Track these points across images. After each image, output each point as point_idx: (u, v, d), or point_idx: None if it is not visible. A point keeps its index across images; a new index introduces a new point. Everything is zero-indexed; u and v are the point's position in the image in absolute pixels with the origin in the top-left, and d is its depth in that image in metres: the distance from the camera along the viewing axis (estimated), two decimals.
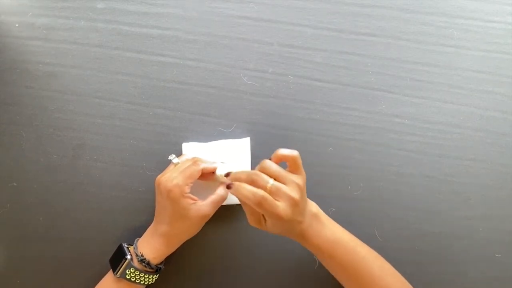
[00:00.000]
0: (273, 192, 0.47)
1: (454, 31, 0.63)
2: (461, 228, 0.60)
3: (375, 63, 0.62)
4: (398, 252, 0.59)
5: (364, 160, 0.61)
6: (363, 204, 0.60)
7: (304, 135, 0.61)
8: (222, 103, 0.62)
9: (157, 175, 0.56)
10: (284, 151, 0.48)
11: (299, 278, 0.60)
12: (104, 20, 0.63)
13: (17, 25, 0.63)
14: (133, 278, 0.53)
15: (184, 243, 0.56)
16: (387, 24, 0.63)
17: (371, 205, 0.60)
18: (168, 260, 0.58)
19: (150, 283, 0.55)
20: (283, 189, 0.47)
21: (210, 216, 0.55)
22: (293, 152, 0.48)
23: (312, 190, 0.59)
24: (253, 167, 0.58)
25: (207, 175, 0.56)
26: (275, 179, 0.47)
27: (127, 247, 0.55)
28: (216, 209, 0.56)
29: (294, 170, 0.49)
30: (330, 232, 0.51)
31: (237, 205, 0.58)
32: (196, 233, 0.56)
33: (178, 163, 0.56)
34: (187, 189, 0.53)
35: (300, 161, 0.49)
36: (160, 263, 0.56)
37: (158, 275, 0.56)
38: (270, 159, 0.49)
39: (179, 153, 0.60)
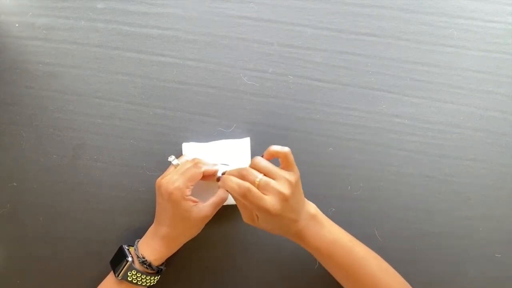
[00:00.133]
0: (261, 187, 0.47)
1: (454, 31, 0.63)
2: (461, 228, 0.60)
3: (375, 63, 0.62)
4: (398, 252, 0.59)
5: (364, 160, 0.61)
6: (363, 204, 0.60)
7: (304, 135, 0.61)
8: (222, 103, 0.62)
9: (157, 175, 0.56)
10: (275, 148, 0.49)
11: (300, 278, 0.60)
12: (104, 20, 0.63)
13: (17, 25, 0.63)
14: (134, 280, 0.53)
15: (184, 244, 0.56)
16: (387, 24, 0.63)
17: (371, 205, 0.60)
18: (169, 261, 0.58)
19: (151, 284, 0.55)
20: (271, 183, 0.47)
21: (211, 217, 0.55)
22: (284, 149, 0.48)
23: (312, 190, 0.59)
24: None
25: (208, 176, 0.56)
26: (265, 175, 0.48)
27: (128, 249, 0.55)
28: (217, 210, 0.56)
29: (286, 166, 0.49)
30: (328, 233, 0.51)
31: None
32: (196, 234, 0.56)
33: (178, 164, 0.56)
34: (188, 192, 0.53)
35: (291, 158, 0.49)
36: (161, 264, 0.56)
37: (159, 276, 0.56)
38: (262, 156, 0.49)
39: (179, 153, 0.60)
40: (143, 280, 0.54)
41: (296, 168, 0.49)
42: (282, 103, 0.62)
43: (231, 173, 0.49)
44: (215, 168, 0.56)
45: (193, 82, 0.62)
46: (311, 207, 0.52)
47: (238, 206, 0.51)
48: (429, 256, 0.60)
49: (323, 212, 0.53)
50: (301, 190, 0.51)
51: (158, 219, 0.56)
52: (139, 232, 0.57)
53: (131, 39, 0.63)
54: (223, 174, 0.53)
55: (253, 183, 0.47)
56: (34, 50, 0.63)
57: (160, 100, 0.62)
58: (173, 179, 0.53)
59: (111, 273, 0.55)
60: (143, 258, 0.53)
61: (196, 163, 0.55)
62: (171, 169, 0.56)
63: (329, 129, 0.61)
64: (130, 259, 0.53)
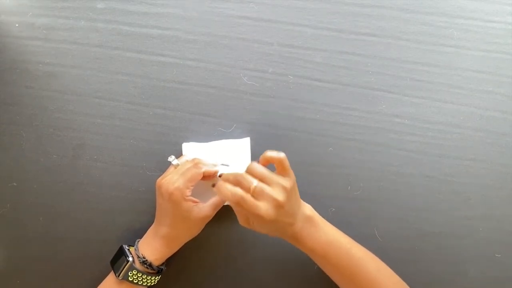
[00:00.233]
0: (257, 193, 0.46)
1: (454, 31, 0.63)
2: (461, 228, 0.60)
3: (375, 63, 0.62)
4: (398, 252, 0.59)
5: (364, 160, 0.61)
6: (363, 204, 0.60)
7: (304, 135, 0.61)
8: (222, 103, 0.62)
9: (157, 175, 0.56)
10: (270, 153, 0.48)
11: (300, 278, 0.60)
12: (104, 20, 0.63)
13: (17, 25, 0.63)
14: (135, 280, 0.53)
15: (184, 244, 0.56)
16: (387, 24, 0.63)
17: (371, 205, 0.60)
18: (169, 261, 0.58)
19: (152, 284, 0.55)
20: (266, 190, 0.46)
21: (211, 217, 0.55)
22: (280, 154, 0.48)
23: (312, 190, 0.59)
24: None
25: (208, 176, 0.56)
26: (261, 181, 0.47)
27: (128, 249, 0.55)
28: (217, 210, 0.56)
29: (281, 172, 0.49)
30: (325, 235, 0.51)
31: None
32: (197, 234, 0.56)
33: (178, 164, 0.56)
34: (188, 192, 0.53)
35: (287, 163, 0.48)
36: (162, 264, 0.56)
37: (160, 276, 0.56)
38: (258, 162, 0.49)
39: (179, 153, 0.60)
40: (143, 280, 0.54)
41: (292, 173, 0.49)
42: (282, 103, 0.62)
43: (227, 179, 0.48)
44: (215, 169, 0.56)
45: (193, 82, 0.62)
46: (307, 209, 0.52)
47: (234, 210, 0.51)
48: (429, 256, 0.60)
49: (323, 212, 0.53)
50: (297, 194, 0.50)
51: (159, 219, 0.56)
52: (139, 232, 0.57)
53: (131, 39, 0.63)
54: (220, 176, 0.53)
55: (248, 189, 0.46)
56: (34, 50, 0.63)
57: (160, 100, 0.62)
58: (173, 180, 0.53)
59: (111, 273, 0.55)
60: (144, 258, 0.53)
61: (196, 163, 0.55)
62: (171, 169, 0.56)
63: (329, 129, 0.61)
64: (130, 259, 0.53)
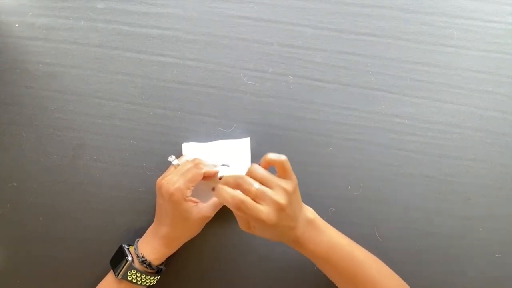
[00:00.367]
0: (258, 196, 0.45)
1: (454, 31, 0.63)
2: (461, 228, 0.60)
3: (375, 63, 0.62)
4: (398, 252, 0.59)
5: (364, 160, 0.61)
6: (363, 204, 0.60)
7: (304, 135, 0.61)
8: (222, 103, 0.62)
9: (157, 175, 0.56)
10: (272, 156, 0.47)
11: (300, 278, 0.60)
12: (104, 20, 0.63)
13: (17, 25, 0.63)
14: (134, 280, 0.53)
15: (184, 244, 0.56)
16: (387, 24, 0.63)
17: (371, 205, 0.60)
18: (169, 261, 0.58)
19: (151, 284, 0.55)
20: (267, 193, 0.45)
21: (211, 217, 0.55)
22: (281, 157, 0.47)
23: (312, 190, 0.59)
24: None
25: (208, 176, 0.56)
26: (262, 183, 0.46)
27: (128, 248, 0.55)
28: (217, 210, 0.56)
29: (283, 175, 0.48)
30: (326, 238, 0.50)
31: None
32: (196, 234, 0.56)
33: (178, 164, 0.56)
34: (188, 193, 0.53)
35: (288, 166, 0.47)
36: (161, 264, 0.56)
37: (159, 276, 0.56)
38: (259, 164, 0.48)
39: (179, 153, 0.60)
40: (143, 280, 0.54)
41: (293, 176, 0.48)
42: (282, 103, 0.62)
43: (227, 181, 0.47)
44: (215, 169, 0.56)
45: (193, 82, 0.62)
46: (309, 212, 0.51)
47: (234, 214, 0.50)
48: (429, 256, 0.60)
49: (323, 212, 0.53)
50: (299, 197, 0.50)
51: (158, 219, 0.56)
52: (139, 232, 0.57)
53: (131, 39, 0.63)
54: (220, 178, 0.53)
55: (248, 192, 0.45)
56: (34, 50, 0.63)
57: (160, 100, 0.62)
58: (173, 180, 0.53)
59: (111, 272, 0.55)
60: (143, 257, 0.53)
61: (197, 163, 0.55)
62: (171, 169, 0.56)
63: (329, 129, 0.61)
64: (130, 258, 0.53)
